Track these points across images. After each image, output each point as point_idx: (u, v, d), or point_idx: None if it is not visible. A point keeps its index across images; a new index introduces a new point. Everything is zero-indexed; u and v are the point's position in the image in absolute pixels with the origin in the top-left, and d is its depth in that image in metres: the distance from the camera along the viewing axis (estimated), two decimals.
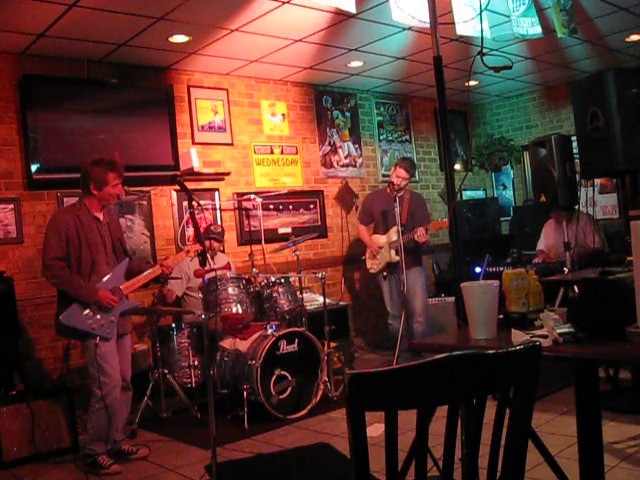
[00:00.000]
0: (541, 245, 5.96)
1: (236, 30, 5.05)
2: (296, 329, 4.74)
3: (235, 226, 6.29)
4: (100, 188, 3.78)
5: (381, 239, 5.80)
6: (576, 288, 3.35)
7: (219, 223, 5.99)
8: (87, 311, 3.67)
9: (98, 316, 3.69)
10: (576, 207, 5.10)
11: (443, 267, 7.51)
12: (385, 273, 5.76)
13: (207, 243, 4.93)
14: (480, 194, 8.69)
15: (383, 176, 7.54)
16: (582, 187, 4.57)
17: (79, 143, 5.14)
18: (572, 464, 2.24)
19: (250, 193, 6.01)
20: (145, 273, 3.95)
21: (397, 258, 5.52)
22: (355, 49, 5.85)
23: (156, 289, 5.23)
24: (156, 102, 5.67)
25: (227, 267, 5.17)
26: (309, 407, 4.52)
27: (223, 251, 5.68)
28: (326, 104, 7.13)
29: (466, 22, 4.41)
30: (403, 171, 5.63)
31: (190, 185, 4.39)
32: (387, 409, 1.23)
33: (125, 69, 5.57)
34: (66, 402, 4.07)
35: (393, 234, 5.62)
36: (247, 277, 4.91)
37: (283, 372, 4.47)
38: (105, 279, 3.77)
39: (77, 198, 3.98)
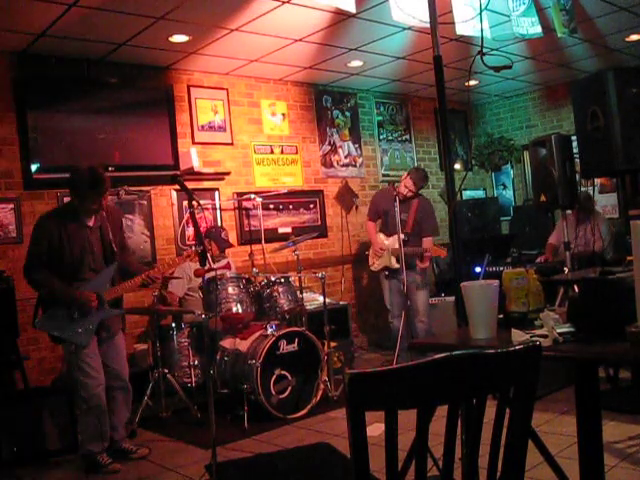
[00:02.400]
0: (552, 239, 5.90)
1: (236, 30, 5.05)
2: (296, 329, 4.74)
3: (235, 226, 6.28)
4: (80, 201, 3.68)
5: (385, 241, 5.80)
6: (576, 288, 3.35)
7: (219, 225, 5.97)
8: (64, 317, 3.64)
9: (75, 323, 3.65)
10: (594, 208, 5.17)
11: (443, 267, 7.51)
12: (387, 272, 5.78)
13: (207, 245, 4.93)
14: (480, 194, 8.68)
15: (383, 176, 7.54)
16: (582, 187, 4.57)
17: (79, 143, 5.14)
18: (572, 464, 2.24)
19: (250, 193, 6.03)
20: (131, 281, 3.89)
21: (397, 266, 5.55)
22: (355, 49, 5.85)
23: (157, 290, 5.22)
24: (156, 102, 5.67)
25: (227, 267, 5.18)
26: (309, 407, 4.52)
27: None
28: (326, 104, 7.13)
29: (466, 22, 4.41)
30: (411, 182, 5.63)
31: (190, 185, 4.37)
32: (387, 409, 1.23)
33: (125, 69, 5.57)
34: (66, 402, 4.06)
35: (396, 241, 5.60)
36: (247, 277, 4.91)
37: (283, 372, 4.47)
38: (86, 283, 3.73)
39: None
